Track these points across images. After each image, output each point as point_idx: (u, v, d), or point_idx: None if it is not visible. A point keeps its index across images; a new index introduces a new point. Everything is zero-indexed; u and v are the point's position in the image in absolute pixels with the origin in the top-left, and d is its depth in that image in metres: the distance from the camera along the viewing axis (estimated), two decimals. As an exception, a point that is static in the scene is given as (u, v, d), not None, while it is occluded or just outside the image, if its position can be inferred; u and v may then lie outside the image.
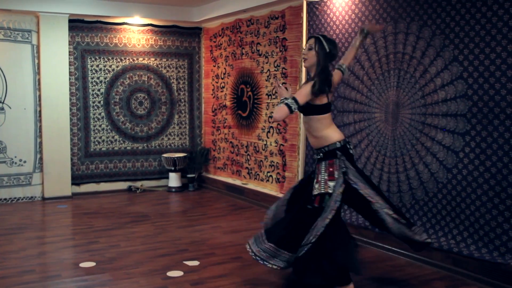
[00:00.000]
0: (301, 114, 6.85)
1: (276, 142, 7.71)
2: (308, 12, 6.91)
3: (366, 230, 6.04)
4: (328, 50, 4.52)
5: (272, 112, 5.08)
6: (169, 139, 9.86)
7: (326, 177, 4.46)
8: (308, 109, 4.54)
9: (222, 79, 9.29)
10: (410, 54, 5.43)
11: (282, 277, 5.00)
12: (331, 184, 4.43)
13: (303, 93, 4.43)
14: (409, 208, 5.53)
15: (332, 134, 4.57)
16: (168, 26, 9.65)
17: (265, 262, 4.55)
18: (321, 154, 4.57)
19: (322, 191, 4.43)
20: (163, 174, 9.75)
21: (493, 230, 4.71)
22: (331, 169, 4.47)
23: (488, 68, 4.68)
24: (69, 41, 8.73)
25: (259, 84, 8.12)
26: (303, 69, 6.96)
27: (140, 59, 9.47)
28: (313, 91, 4.42)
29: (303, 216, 4.53)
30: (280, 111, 4.33)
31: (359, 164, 6.14)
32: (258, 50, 8.09)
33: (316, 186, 4.48)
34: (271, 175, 7.86)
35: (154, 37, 9.56)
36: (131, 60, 9.39)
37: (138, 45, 9.43)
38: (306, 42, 4.66)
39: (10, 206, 8.22)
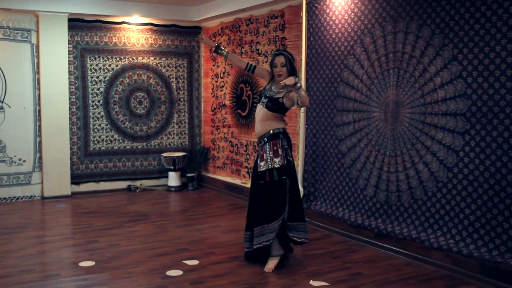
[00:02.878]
0: (300, 113, 6.89)
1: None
2: (307, 11, 6.91)
3: (366, 229, 6.05)
4: (293, 60, 5.29)
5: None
6: (168, 138, 9.86)
7: (271, 155, 5.14)
8: (283, 109, 5.23)
9: (221, 78, 9.29)
10: (410, 53, 5.43)
11: (281, 276, 5.00)
12: (277, 160, 5.11)
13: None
14: (407, 208, 5.53)
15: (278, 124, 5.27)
16: (167, 25, 9.64)
17: (260, 244, 5.13)
18: (265, 138, 5.21)
19: (270, 167, 5.12)
20: (163, 173, 9.75)
21: (492, 229, 4.71)
22: (275, 148, 5.15)
23: (488, 67, 4.68)
24: (68, 40, 8.72)
25: (258, 83, 8.12)
26: (303, 68, 6.96)
27: (140, 58, 9.47)
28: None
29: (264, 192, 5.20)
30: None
31: (358, 163, 6.14)
32: (258, 49, 8.09)
33: (262, 164, 5.15)
34: (270, 174, 7.84)
35: (153, 36, 9.56)
36: (130, 59, 9.39)
37: (138, 44, 9.43)
38: (275, 59, 5.21)
39: (9, 205, 8.22)
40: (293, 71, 5.19)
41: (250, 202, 5.41)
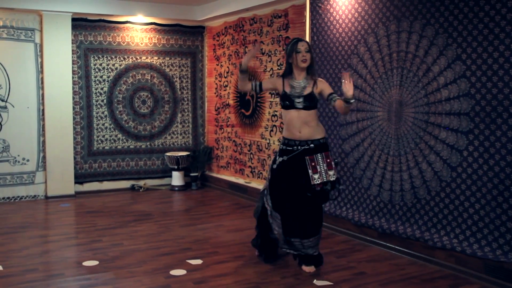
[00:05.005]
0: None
1: (279, 141, 7.70)
2: (311, 11, 6.90)
3: (369, 229, 6.04)
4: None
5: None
6: (172, 137, 9.87)
7: (325, 167, 4.98)
8: (316, 102, 5.09)
9: (225, 77, 9.29)
10: (413, 53, 5.42)
11: (284, 276, 5.00)
12: (331, 172, 5.00)
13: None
14: (411, 207, 5.53)
15: (322, 130, 5.18)
16: (171, 25, 9.65)
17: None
18: (312, 145, 5.01)
19: (325, 180, 4.98)
20: (166, 173, 9.76)
21: (496, 228, 4.70)
22: (328, 160, 5.01)
23: (491, 66, 4.67)
24: (72, 40, 8.74)
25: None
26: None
27: (143, 57, 9.48)
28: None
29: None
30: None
31: (361, 162, 6.14)
32: (261, 49, 8.09)
33: (316, 176, 4.96)
34: (274, 174, 7.84)
35: (157, 36, 9.57)
36: (134, 58, 9.39)
37: (141, 43, 9.44)
38: (298, 45, 5.00)
39: (13, 204, 8.23)
40: (313, 62, 5.06)
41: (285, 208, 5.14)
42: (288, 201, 5.09)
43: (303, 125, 5.00)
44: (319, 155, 4.99)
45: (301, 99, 4.96)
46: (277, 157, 5.16)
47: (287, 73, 5.13)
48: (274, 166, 5.16)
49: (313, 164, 4.96)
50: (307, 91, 4.99)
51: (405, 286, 4.78)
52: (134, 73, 9.42)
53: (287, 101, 5.02)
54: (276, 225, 5.16)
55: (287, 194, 5.09)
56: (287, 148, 5.08)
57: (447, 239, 5.15)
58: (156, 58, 9.60)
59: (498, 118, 4.64)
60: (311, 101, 4.98)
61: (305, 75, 5.06)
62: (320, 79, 5.13)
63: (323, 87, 5.04)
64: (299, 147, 5.02)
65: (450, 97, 5.07)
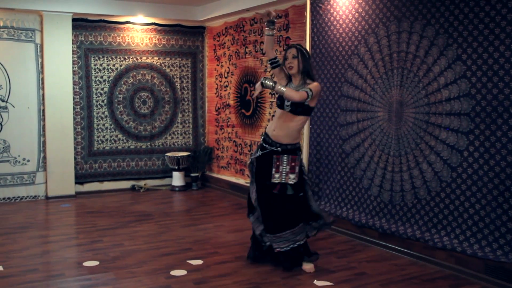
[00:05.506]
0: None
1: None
2: (311, 11, 6.90)
3: (370, 229, 6.04)
4: (308, 56, 5.16)
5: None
6: (172, 138, 9.87)
7: (287, 170, 5.10)
8: (306, 108, 5.06)
9: (225, 78, 9.29)
10: (414, 53, 5.42)
11: (285, 276, 5.00)
12: (292, 176, 5.11)
13: (317, 91, 5.02)
14: (411, 207, 5.53)
15: (299, 136, 5.28)
16: (171, 25, 9.65)
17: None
18: (279, 148, 5.11)
19: (283, 181, 5.11)
20: (167, 173, 9.76)
21: (497, 229, 4.70)
22: (293, 164, 5.11)
23: (492, 67, 4.67)
24: (72, 40, 8.74)
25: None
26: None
27: (144, 58, 9.48)
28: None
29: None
30: (301, 95, 4.84)
31: (362, 163, 6.14)
32: (262, 49, 8.09)
33: (277, 175, 5.12)
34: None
35: (157, 36, 9.57)
36: (134, 59, 9.40)
37: (142, 44, 9.44)
38: (287, 52, 5.16)
39: (13, 205, 8.23)
40: (305, 65, 5.06)
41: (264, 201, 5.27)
42: (260, 198, 5.31)
43: (281, 126, 5.11)
44: (285, 156, 5.10)
45: (289, 102, 5.01)
46: (258, 151, 5.28)
47: (289, 80, 5.23)
48: (253, 158, 5.31)
49: (277, 163, 5.11)
50: None
51: (405, 286, 4.78)
52: (135, 73, 9.42)
53: (279, 101, 5.14)
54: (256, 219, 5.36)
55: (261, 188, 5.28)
56: (264, 144, 5.21)
57: (447, 239, 5.15)
58: (156, 58, 9.60)
59: (498, 119, 4.64)
60: (297, 106, 5.00)
61: (300, 80, 5.12)
62: (313, 83, 5.04)
63: (309, 85, 5.02)
64: (270, 147, 5.16)
65: (450, 97, 5.07)
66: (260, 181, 5.24)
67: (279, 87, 4.82)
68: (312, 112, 5.29)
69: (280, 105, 5.11)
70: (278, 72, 5.27)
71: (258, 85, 5.01)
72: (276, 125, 5.15)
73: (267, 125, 5.44)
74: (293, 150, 5.14)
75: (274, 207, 5.14)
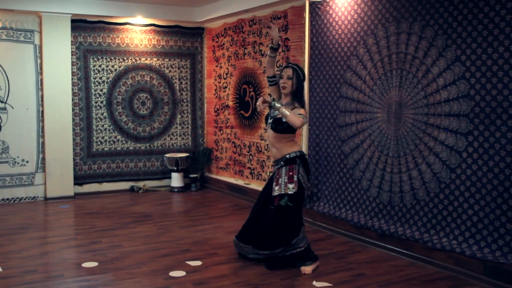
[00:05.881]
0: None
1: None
2: (310, 12, 6.91)
3: (369, 230, 6.04)
4: (303, 77, 5.22)
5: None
6: (171, 139, 9.87)
7: (286, 180, 5.13)
8: (286, 127, 5.11)
9: (224, 79, 9.29)
10: (413, 54, 5.43)
11: (284, 277, 5.00)
12: (290, 186, 5.11)
13: (305, 114, 5.09)
14: (410, 208, 5.53)
15: (293, 147, 5.28)
16: (170, 26, 9.65)
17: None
18: (282, 162, 5.21)
19: (283, 192, 5.12)
20: (166, 174, 9.76)
21: (496, 230, 4.70)
22: (290, 173, 5.14)
23: (491, 68, 4.68)
24: (71, 41, 8.74)
25: (261, 84, 8.12)
26: (306, 69, 6.95)
27: (143, 59, 9.48)
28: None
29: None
30: (301, 121, 4.91)
31: (361, 164, 6.14)
32: (261, 50, 8.09)
33: (276, 188, 5.17)
34: (273, 175, 7.85)
35: (156, 37, 9.57)
36: (133, 60, 9.40)
37: (141, 45, 9.44)
38: (283, 71, 5.20)
39: (12, 206, 8.23)
40: (298, 88, 5.14)
41: (257, 214, 5.37)
42: (256, 210, 5.36)
43: (272, 144, 5.27)
44: (283, 168, 5.18)
45: (271, 120, 5.17)
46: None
47: (280, 96, 5.37)
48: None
49: (277, 177, 5.19)
50: (279, 115, 5.10)
51: (404, 287, 4.79)
52: (134, 74, 9.42)
53: (266, 119, 5.31)
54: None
55: (259, 203, 5.37)
56: (273, 165, 5.34)
57: (446, 240, 5.15)
58: (155, 59, 9.60)
59: (497, 120, 4.65)
60: (278, 125, 5.09)
61: (289, 100, 5.18)
62: (301, 110, 5.09)
63: (297, 109, 5.06)
64: (276, 167, 5.28)
65: (449, 98, 5.07)
66: (262, 196, 5.39)
67: (284, 110, 4.89)
68: (295, 131, 5.25)
69: (266, 122, 5.30)
70: (274, 90, 5.38)
71: (260, 101, 5.02)
72: (269, 144, 5.34)
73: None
74: (293, 159, 5.17)
75: (262, 221, 5.25)
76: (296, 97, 5.16)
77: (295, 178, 5.10)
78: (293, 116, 4.86)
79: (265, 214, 5.24)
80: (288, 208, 5.09)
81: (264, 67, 7.97)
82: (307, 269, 5.13)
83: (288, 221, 5.13)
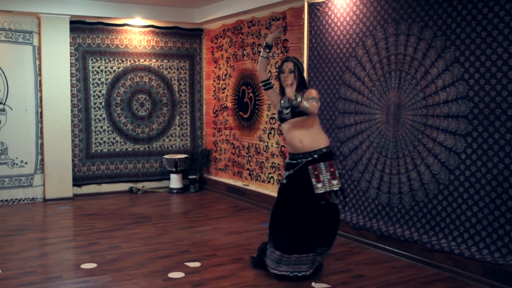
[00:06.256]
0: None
1: (277, 144, 7.71)
2: (309, 13, 6.91)
3: (367, 231, 6.04)
4: (303, 69, 5.12)
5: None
6: (170, 140, 9.87)
7: (329, 176, 4.86)
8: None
9: (223, 80, 9.29)
10: (411, 56, 5.43)
11: (283, 278, 5.00)
12: (334, 182, 4.87)
13: (315, 95, 4.92)
14: (409, 210, 5.53)
15: (325, 139, 5.05)
16: (169, 27, 9.65)
17: (292, 274, 4.93)
18: (315, 155, 4.90)
19: (328, 189, 4.86)
20: (164, 176, 9.75)
21: (495, 231, 4.70)
22: (332, 169, 4.89)
23: (489, 69, 4.68)
24: (70, 43, 8.74)
25: (260, 85, 8.11)
26: (305, 70, 6.94)
27: (141, 60, 9.48)
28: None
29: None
30: (317, 107, 4.82)
31: (360, 165, 6.14)
32: (260, 52, 8.09)
33: (319, 185, 4.86)
34: (272, 177, 7.86)
35: (155, 38, 9.57)
36: (132, 61, 9.40)
37: (139, 46, 9.44)
38: (283, 65, 5.07)
39: (11, 207, 8.22)
40: (301, 80, 5.02)
41: (298, 221, 4.94)
42: (290, 216, 4.94)
43: (301, 133, 4.93)
44: (322, 164, 4.88)
45: (288, 110, 4.95)
46: (284, 172, 5.10)
47: (282, 93, 5.18)
48: (284, 181, 5.06)
49: (316, 173, 4.86)
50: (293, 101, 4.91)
51: (403, 288, 4.80)
52: (132, 75, 9.42)
53: (280, 115, 5.09)
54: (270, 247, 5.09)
55: (290, 208, 4.96)
56: (292, 161, 5.00)
57: (445, 241, 5.15)
58: (154, 60, 9.60)
59: (496, 121, 4.65)
60: (293, 108, 4.90)
61: (295, 90, 4.95)
62: (310, 91, 4.99)
63: (307, 93, 4.94)
64: (303, 160, 4.92)
65: (448, 99, 5.07)
66: (285, 201, 5.02)
67: (304, 103, 4.72)
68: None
69: (281, 117, 5.07)
70: (271, 93, 5.25)
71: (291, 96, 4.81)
72: (296, 136, 4.95)
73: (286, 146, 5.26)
74: (329, 153, 4.93)
75: (306, 223, 4.91)
76: (301, 86, 4.99)
77: (337, 174, 4.90)
78: (313, 107, 4.75)
79: (310, 214, 4.90)
80: (334, 204, 4.95)
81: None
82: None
83: (334, 217, 5.02)
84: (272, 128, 7.83)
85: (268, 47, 5.19)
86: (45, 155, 8.56)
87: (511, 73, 4.51)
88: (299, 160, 4.94)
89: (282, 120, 5.07)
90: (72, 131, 8.86)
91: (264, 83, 5.22)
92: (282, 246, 4.90)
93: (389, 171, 5.76)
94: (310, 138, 4.92)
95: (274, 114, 7.76)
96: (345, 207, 6.41)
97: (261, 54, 5.21)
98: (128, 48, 9.35)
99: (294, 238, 4.87)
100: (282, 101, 5.11)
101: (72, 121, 8.83)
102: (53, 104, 8.55)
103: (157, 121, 9.72)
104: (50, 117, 8.54)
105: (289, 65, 5.02)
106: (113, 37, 9.21)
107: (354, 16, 6.18)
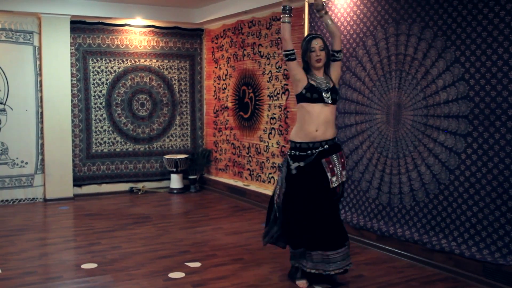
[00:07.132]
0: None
1: (277, 144, 7.71)
2: (310, 14, 6.91)
3: (368, 231, 6.04)
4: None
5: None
6: (170, 140, 9.87)
7: (340, 168, 4.71)
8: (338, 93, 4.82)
9: (223, 80, 9.29)
10: (412, 56, 5.43)
11: (283, 279, 5.00)
12: (344, 173, 4.75)
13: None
14: (409, 210, 5.53)
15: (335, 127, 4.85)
16: (169, 28, 9.65)
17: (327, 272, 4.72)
18: (326, 146, 4.67)
19: (340, 181, 4.73)
20: (165, 176, 9.75)
21: (495, 231, 4.70)
22: (342, 160, 4.74)
23: (490, 69, 4.68)
24: (70, 43, 8.74)
25: (260, 85, 8.12)
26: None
27: (142, 60, 9.48)
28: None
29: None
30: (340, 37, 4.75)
31: (360, 165, 6.14)
32: (260, 52, 8.09)
33: (334, 179, 4.67)
34: (272, 177, 7.85)
35: (155, 39, 9.57)
36: (132, 61, 9.40)
37: (140, 46, 9.44)
38: (311, 43, 4.68)
39: (11, 207, 8.22)
40: (329, 59, 4.72)
41: (312, 219, 4.73)
42: (308, 211, 4.72)
43: (324, 122, 4.64)
44: (334, 156, 4.67)
45: (329, 93, 4.60)
46: (291, 163, 4.72)
47: (306, 70, 4.75)
48: (294, 171, 4.70)
49: (330, 166, 4.63)
50: (331, 84, 4.69)
51: (404, 288, 4.80)
52: (133, 75, 9.42)
53: (316, 93, 4.60)
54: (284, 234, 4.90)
55: (307, 203, 4.71)
56: (301, 153, 4.68)
57: (445, 241, 5.15)
58: (154, 60, 9.60)
59: (496, 121, 4.65)
60: (336, 94, 4.69)
61: (323, 72, 4.73)
62: (335, 63, 4.77)
63: (333, 66, 4.76)
64: (313, 151, 4.64)
65: (448, 99, 5.07)
66: (301, 195, 4.73)
67: (329, 19, 4.62)
68: None
69: (319, 98, 4.62)
70: (295, 66, 4.70)
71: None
72: (318, 122, 4.64)
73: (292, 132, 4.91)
74: (338, 144, 4.78)
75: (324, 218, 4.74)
76: (327, 67, 4.74)
77: (345, 164, 4.75)
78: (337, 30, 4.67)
79: (326, 209, 4.72)
80: (341, 195, 4.82)
81: (264, 68, 7.97)
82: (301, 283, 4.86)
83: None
84: (273, 128, 7.83)
85: (287, 10, 4.70)
86: (45, 155, 8.56)
87: (511, 73, 4.52)
88: (309, 152, 4.65)
89: (316, 100, 4.63)
90: (73, 131, 8.86)
91: (289, 52, 4.66)
92: (323, 244, 4.71)
93: (390, 171, 5.76)
94: (328, 127, 4.66)
95: (275, 114, 7.76)
96: (345, 207, 6.41)
97: (281, 20, 4.72)
98: (129, 48, 9.35)
99: (327, 234, 4.72)
100: (315, 80, 4.68)
101: (72, 121, 8.83)
102: (54, 104, 8.55)
103: (158, 121, 9.72)
104: (50, 117, 8.54)
105: (319, 42, 4.67)
106: (114, 37, 9.21)
107: (355, 16, 6.18)
